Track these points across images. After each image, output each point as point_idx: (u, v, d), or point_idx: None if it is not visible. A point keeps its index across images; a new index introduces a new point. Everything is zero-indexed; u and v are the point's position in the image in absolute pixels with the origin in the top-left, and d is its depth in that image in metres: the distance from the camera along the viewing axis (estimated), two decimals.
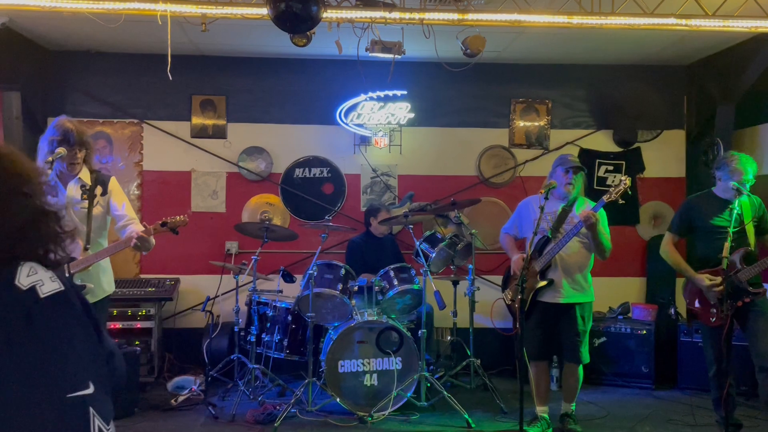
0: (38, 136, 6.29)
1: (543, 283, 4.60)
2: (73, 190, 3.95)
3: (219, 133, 6.78)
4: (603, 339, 6.19)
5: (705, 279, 4.37)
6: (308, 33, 4.44)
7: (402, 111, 6.66)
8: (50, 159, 3.73)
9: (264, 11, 4.08)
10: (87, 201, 3.91)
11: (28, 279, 1.40)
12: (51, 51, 6.46)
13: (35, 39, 6.12)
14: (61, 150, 3.79)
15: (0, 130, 5.96)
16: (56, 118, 3.95)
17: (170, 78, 4.58)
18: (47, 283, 1.42)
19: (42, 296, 1.40)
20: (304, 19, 3.82)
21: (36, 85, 6.31)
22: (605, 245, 4.55)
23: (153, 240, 3.99)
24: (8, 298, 1.36)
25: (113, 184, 4.10)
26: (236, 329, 5.73)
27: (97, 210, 3.97)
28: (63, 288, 1.45)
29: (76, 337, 1.44)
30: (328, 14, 4.19)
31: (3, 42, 5.64)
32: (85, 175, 4.01)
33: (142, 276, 6.55)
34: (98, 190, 3.98)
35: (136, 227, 3.98)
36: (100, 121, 6.66)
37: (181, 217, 4.03)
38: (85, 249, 3.86)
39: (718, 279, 4.30)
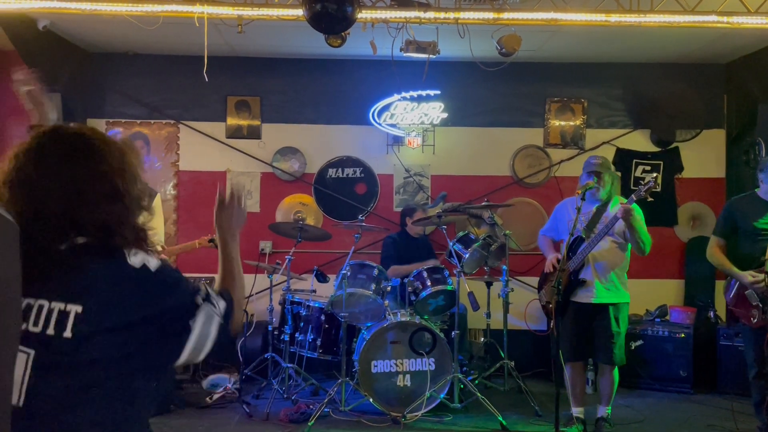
0: None
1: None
2: None
3: (253, 134, 6.84)
4: (640, 342, 6.08)
5: (748, 276, 4.29)
6: (343, 34, 4.46)
7: (435, 111, 6.64)
8: None
9: (299, 12, 4.10)
10: None
11: (136, 258, 1.53)
12: (90, 53, 6.58)
13: (75, 41, 6.24)
14: None
15: None
16: (108, 133, 4.07)
17: (206, 79, 4.64)
18: (152, 261, 1.55)
19: (153, 270, 1.55)
20: (339, 19, 3.84)
21: (76, 86, 6.42)
22: (644, 238, 4.48)
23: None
24: (130, 273, 1.51)
25: (156, 200, 4.23)
26: (270, 328, 5.76)
27: None
28: (161, 262, 1.59)
29: None
30: (363, 14, 4.19)
31: (45, 44, 5.76)
32: None
33: None
34: None
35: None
36: (138, 122, 6.77)
37: None
38: None
39: (761, 276, 4.23)
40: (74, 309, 1.42)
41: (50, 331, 1.42)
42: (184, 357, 1.56)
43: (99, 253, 1.49)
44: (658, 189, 4.35)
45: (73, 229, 1.49)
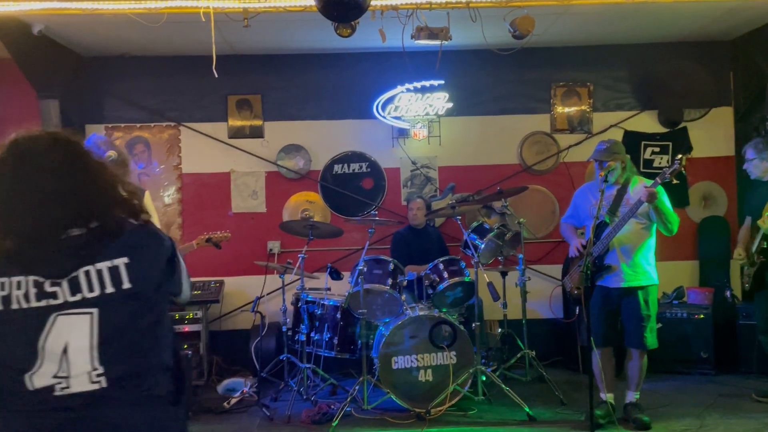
0: None
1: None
2: None
3: (256, 133, 6.71)
4: (659, 325, 5.96)
5: None
6: (353, 23, 4.35)
7: (440, 101, 6.54)
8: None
9: (308, 2, 3.99)
10: None
11: (136, 221, 1.75)
12: (85, 57, 6.44)
13: (70, 46, 6.10)
14: (112, 153, 3.89)
15: None
16: (88, 139, 4.06)
17: (215, 75, 4.53)
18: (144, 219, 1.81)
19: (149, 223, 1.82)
20: (351, 7, 3.72)
21: (73, 92, 6.28)
22: (671, 219, 4.42)
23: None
24: (144, 228, 1.76)
25: (147, 198, 4.24)
26: (284, 329, 5.65)
27: None
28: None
29: None
30: (375, 1, 4.08)
31: (40, 50, 5.62)
32: None
33: None
34: None
35: None
36: (138, 125, 6.63)
37: (224, 232, 4.15)
38: None
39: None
40: (122, 261, 1.60)
41: (109, 289, 1.57)
42: (185, 290, 1.89)
43: (114, 225, 1.67)
44: (684, 172, 4.25)
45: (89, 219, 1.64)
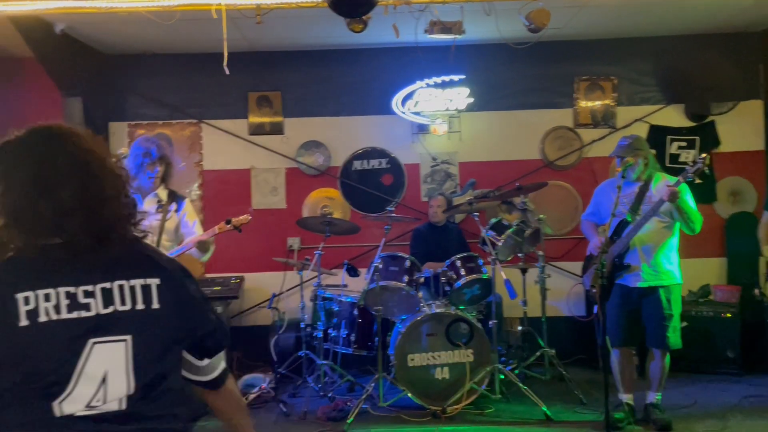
0: None
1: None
2: (149, 204, 4.22)
3: (276, 129, 6.72)
4: (684, 324, 5.83)
5: None
6: (364, 17, 4.31)
7: (460, 96, 6.47)
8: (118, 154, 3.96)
9: None
10: (161, 215, 4.19)
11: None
12: (108, 55, 6.51)
13: (92, 44, 6.17)
14: (124, 150, 3.98)
15: None
16: (137, 140, 4.23)
17: (227, 72, 4.52)
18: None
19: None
20: (361, 2, 3.69)
21: (96, 90, 6.36)
22: (693, 218, 4.30)
23: (213, 245, 4.26)
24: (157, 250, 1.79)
25: (188, 204, 4.40)
26: (302, 325, 5.66)
27: (169, 224, 4.25)
28: None
29: None
30: None
31: (62, 48, 5.69)
32: (162, 193, 4.28)
33: (208, 275, 6.55)
34: (173, 206, 4.28)
35: (197, 233, 4.29)
36: (160, 122, 6.70)
37: (244, 216, 4.26)
38: None
39: None
40: (154, 282, 1.59)
41: (140, 306, 1.56)
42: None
43: (132, 240, 1.65)
44: (707, 171, 4.14)
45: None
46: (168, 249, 4.34)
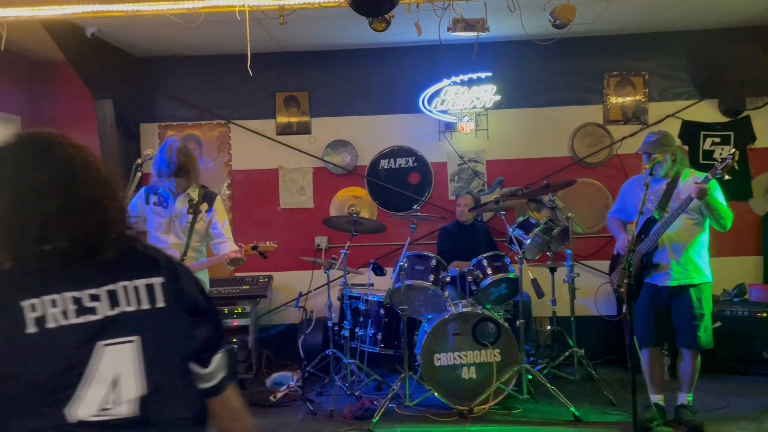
0: (132, 142, 6.61)
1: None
2: (181, 204, 4.31)
3: (303, 129, 6.76)
4: (717, 324, 5.70)
5: None
6: (387, 16, 4.30)
7: (487, 94, 6.42)
8: (138, 162, 4.03)
9: None
10: (192, 216, 4.27)
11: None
12: (138, 58, 6.61)
13: (123, 47, 6.27)
14: (149, 152, 4.11)
15: (96, 139, 6.13)
16: (165, 142, 4.30)
17: (251, 74, 4.55)
18: None
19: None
20: (381, 1, 3.68)
21: (126, 92, 6.46)
22: (723, 214, 4.20)
23: (244, 258, 4.33)
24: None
25: (218, 202, 4.45)
26: (330, 324, 5.68)
27: (200, 225, 4.34)
28: None
29: None
30: None
31: (94, 51, 5.80)
32: (193, 192, 4.35)
33: (237, 274, 6.62)
34: (204, 206, 4.35)
35: (231, 246, 4.35)
36: (189, 123, 6.78)
37: (271, 243, 4.43)
38: (181, 259, 4.16)
39: None
40: (157, 281, 1.58)
41: (145, 305, 1.55)
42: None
43: (131, 240, 1.65)
44: (737, 167, 4.03)
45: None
46: (196, 251, 4.40)
